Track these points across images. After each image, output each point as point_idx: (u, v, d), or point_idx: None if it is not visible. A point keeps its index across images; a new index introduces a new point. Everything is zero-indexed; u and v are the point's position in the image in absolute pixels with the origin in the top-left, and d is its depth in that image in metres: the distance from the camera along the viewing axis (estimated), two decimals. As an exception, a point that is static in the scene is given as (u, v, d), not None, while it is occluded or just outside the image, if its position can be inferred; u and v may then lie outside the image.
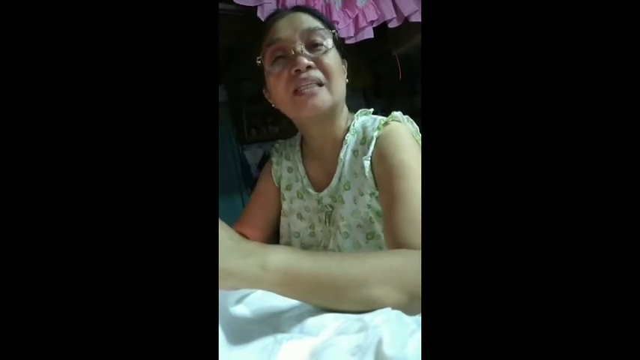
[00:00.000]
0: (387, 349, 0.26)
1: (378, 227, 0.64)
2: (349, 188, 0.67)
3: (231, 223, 0.79)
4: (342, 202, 0.67)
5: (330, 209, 0.71)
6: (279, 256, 0.36)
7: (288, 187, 0.77)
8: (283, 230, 0.79)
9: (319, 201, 0.72)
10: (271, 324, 0.37)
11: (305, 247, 0.76)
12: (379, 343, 0.26)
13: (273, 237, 0.81)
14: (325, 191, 0.70)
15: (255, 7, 1.36)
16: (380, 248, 0.64)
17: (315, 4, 1.43)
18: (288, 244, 0.78)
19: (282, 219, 0.78)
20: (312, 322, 0.34)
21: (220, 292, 0.32)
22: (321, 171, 0.72)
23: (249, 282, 0.35)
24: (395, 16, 1.61)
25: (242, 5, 1.34)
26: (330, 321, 0.33)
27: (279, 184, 0.78)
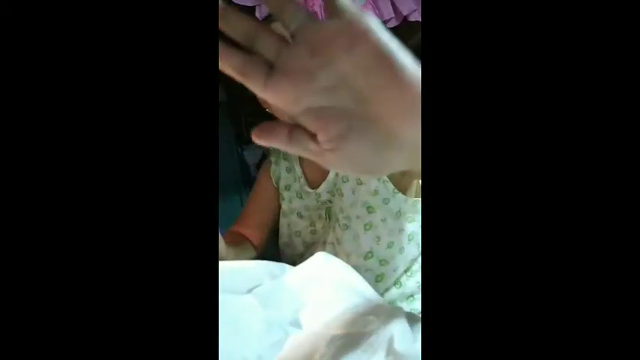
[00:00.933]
0: (398, 345, 0.26)
1: (375, 217, 0.65)
2: (347, 180, 0.67)
3: (230, 223, 0.79)
4: (342, 194, 0.68)
5: (330, 204, 0.71)
6: None
7: (287, 187, 0.77)
8: (283, 230, 0.79)
9: (317, 198, 0.72)
10: (281, 316, 0.37)
11: (307, 245, 0.76)
12: (390, 339, 0.27)
13: (272, 236, 0.81)
14: (323, 186, 0.71)
15: (254, 7, 1.36)
16: (377, 238, 0.65)
17: (313, 4, 1.43)
18: (288, 244, 0.78)
19: (282, 219, 0.78)
20: (322, 316, 0.34)
21: (231, 283, 0.32)
22: (316, 167, 0.72)
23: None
24: (393, 15, 1.61)
25: (241, 5, 1.34)
26: (341, 316, 0.34)
27: (277, 184, 0.78)
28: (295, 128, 0.23)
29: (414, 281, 0.69)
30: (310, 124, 0.23)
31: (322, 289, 0.40)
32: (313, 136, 0.23)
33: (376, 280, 0.66)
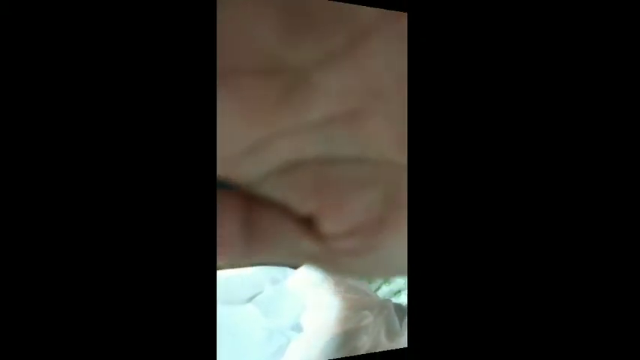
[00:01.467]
0: (388, 336, 0.27)
1: None
2: None
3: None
4: None
5: None
6: None
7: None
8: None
9: None
10: (283, 322, 0.37)
11: None
12: (381, 332, 0.28)
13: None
14: None
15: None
16: None
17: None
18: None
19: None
20: (322, 318, 0.35)
21: (231, 291, 0.32)
22: None
23: None
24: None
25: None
26: (339, 315, 0.34)
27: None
28: (259, 210, 0.10)
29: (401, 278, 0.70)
30: (298, 200, 0.10)
31: (322, 289, 0.41)
32: (307, 225, 0.10)
33: (368, 282, 0.67)
